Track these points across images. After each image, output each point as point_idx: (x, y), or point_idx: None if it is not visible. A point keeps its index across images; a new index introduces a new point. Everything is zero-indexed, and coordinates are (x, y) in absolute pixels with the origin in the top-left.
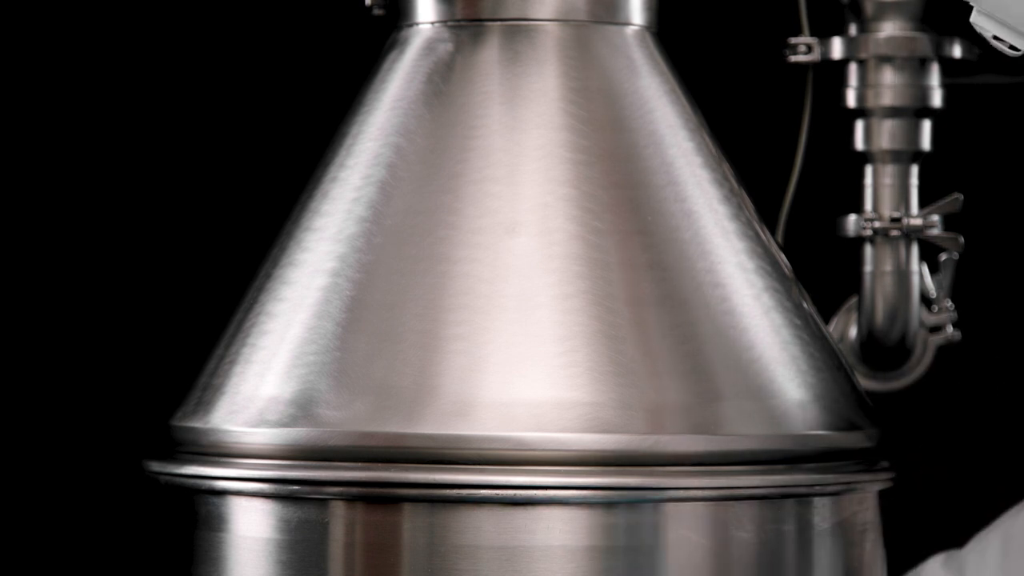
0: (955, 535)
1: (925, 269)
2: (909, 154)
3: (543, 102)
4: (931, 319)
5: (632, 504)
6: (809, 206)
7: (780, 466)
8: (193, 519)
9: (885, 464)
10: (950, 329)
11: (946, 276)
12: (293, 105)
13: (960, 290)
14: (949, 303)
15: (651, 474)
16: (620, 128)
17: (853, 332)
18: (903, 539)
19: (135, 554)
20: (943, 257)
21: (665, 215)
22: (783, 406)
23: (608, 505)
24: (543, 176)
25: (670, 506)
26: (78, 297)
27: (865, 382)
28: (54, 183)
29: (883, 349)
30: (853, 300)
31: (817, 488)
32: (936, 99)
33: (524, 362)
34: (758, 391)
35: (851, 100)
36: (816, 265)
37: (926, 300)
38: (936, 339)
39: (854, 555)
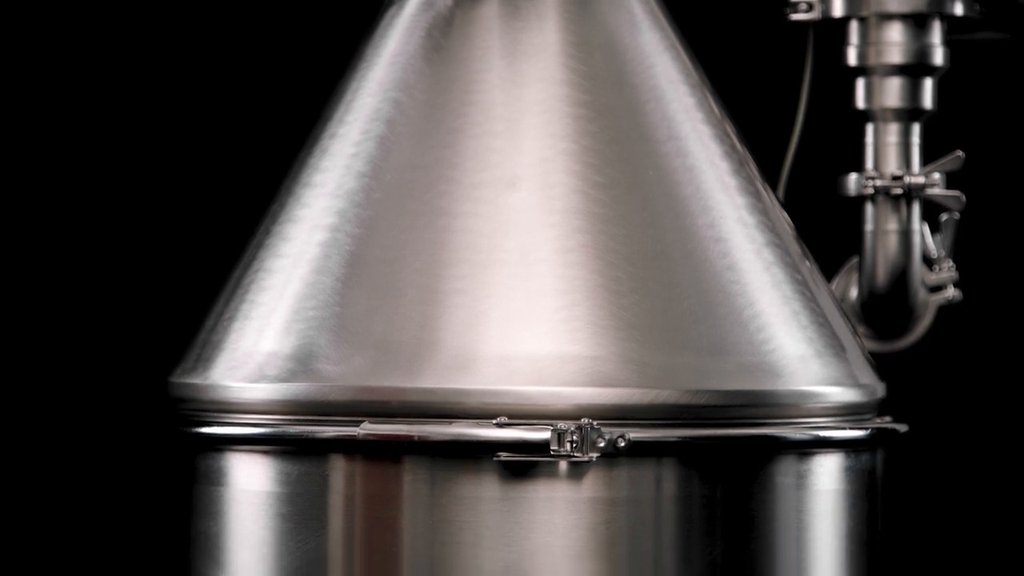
0: (956, 493)
1: (926, 229)
2: (910, 112)
3: (543, 57)
4: (932, 279)
5: (633, 456)
6: (810, 166)
7: (781, 420)
8: (192, 474)
9: (888, 420)
10: (951, 289)
11: (947, 236)
12: (292, 60)
13: (961, 250)
14: (950, 263)
15: (652, 427)
16: (621, 83)
17: (854, 293)
18: (905, 496)
19: (135, 509)
20: (944, 217)
21: (666, 170)
22: (785, 360)
23: (610, 457)
24: (543, 131)
25: (671, 458)
26: (78, 254)
27: (866, 343)
28: (52, 148)
29: (884, 309)
30: (854, 260)
31: (819, 442)
32: (938, 57)
33: (525, 316)
34: (760, 346)
35: (852, 58)
36: (817, 226)
37: (927, 260)
38: (937, 299)
39: (855, 510)
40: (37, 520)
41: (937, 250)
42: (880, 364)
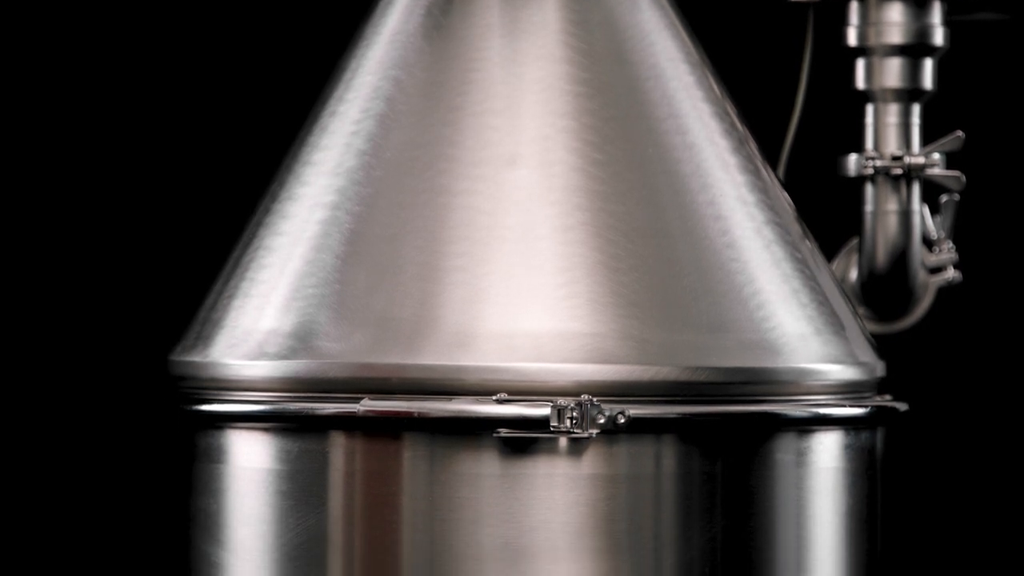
0: (956, 474)
1: (926, 210)
2: (910, 92)
3: (543, 34)
4: (932, 260)
5: (633, 433)
6: (810, 146)
7: (781, 398)
8: (192, 452)
9: (888, 398)
10: (951, 270)
11: (947, 217)
12: (292, 39)
13: (961, 231)
14: (950, 244)
15: (651, 403)
16: (621, 60)
17: (854, 274)
18: (905, 477)
19: (135, 487)
20: (944, 198)
21: (666, 148)
22: (784, 338)
23: (610, 434)
24: (543, 108)
25: (671, 435)
26: (79, 234)
27: (866, 324)
28: (51, 126)
29: (884, 290)
30: (854, 242)
31: (818, 420)
32: (938, 37)
33: (524, 293)
34: (760, 323)
35: (852, 38)
36: (817, 207)
37: (927, 241)
38: (937, 280)
39: (855, 488)
40: (37, 499)
41: (937, 231)
42: (880, 345)
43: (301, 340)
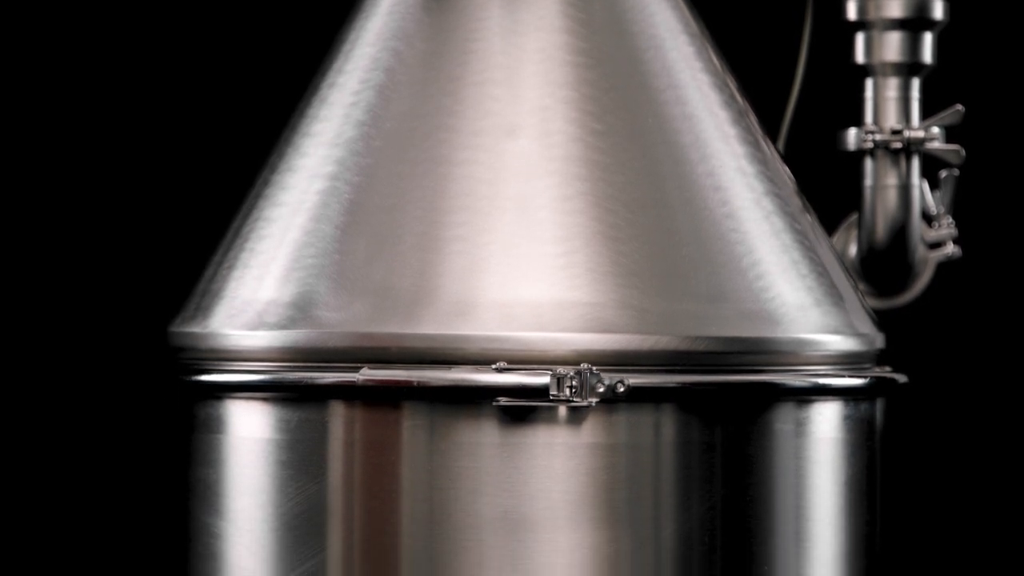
0: (955, 448)
1: (926, 185)
2: (910, 66)
3: (543, 4)
4: (931, 235)
5: (632, 402)
6: (809, 121)
7: (780, 368)
8: (192, 422)
9: (888, 370)
10: (950, 245)
11: (947, 192)
12: (290, 10)
13: (960, 206)
14: (949, 219)
15: (651, 373)
16: (620, 31)
17: (853, 249)
18: (903, 450)
19: (135, 458)
20: (943, 174)
21: (665, 118)
22: (784, 308)
23: (609, 403)
24: (543, 79)
25: (670, 404)
26: (79, 205)
27: (866, 299)
28: (48, 101)
29: (883, 265)
30: (853, 217)
31: (817, 390)
32: (937, 11)
33: (524, 263)
34: (759, 293)
35: (852, 12)
36: (817, 182)
37: (927, 216)
38: (936, 255)
39: (854, 459)
40: (36, 472)
41: (936, 206)
42: (880, 320)
43: (300, 310)
